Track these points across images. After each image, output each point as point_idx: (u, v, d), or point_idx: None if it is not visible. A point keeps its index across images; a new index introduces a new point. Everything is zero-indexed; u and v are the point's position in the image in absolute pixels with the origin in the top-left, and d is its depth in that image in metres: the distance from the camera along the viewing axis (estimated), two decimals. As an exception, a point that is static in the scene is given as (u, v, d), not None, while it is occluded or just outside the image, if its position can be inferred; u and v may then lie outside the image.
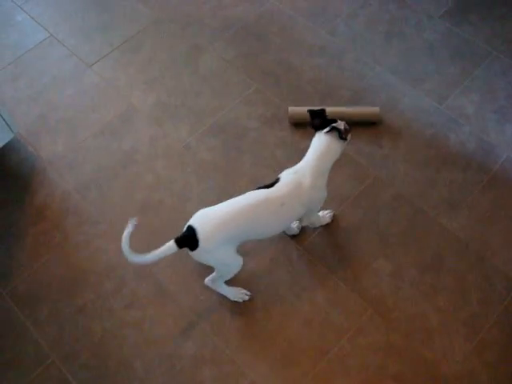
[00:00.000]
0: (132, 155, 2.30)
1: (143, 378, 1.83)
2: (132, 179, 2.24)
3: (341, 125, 1.81)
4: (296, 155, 2.24)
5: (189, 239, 1.69)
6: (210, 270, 1.91)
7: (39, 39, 2.74)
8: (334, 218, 2.10)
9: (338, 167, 2.19)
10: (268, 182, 1.82)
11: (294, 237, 2.06)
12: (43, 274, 2.05)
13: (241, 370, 1.83)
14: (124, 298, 1.98)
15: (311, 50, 2.58)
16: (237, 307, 1.93)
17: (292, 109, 2.32)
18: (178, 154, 2.29)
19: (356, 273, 1.98)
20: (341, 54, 2.55)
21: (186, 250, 1.71)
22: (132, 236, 2.09)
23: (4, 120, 2.21)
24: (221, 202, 2.12)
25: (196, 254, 1.72)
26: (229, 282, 1.92)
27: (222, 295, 1.94)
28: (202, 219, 1.71)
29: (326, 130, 1.79)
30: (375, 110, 2.31)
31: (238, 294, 1.94)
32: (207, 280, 1.93)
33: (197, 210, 2.11)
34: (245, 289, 1.95)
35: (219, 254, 1.74)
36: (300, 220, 1.99)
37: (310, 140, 1.86)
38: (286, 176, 1.79)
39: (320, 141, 1.81)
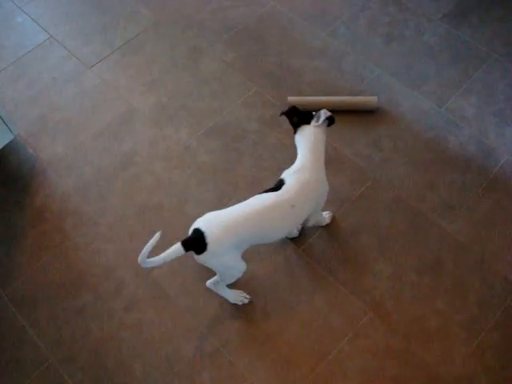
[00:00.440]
0: (132, 157, 2.30)
1: (142, 380, 1.83)
2: (131, 181, 2.24)
3: (327, 113, 1.81)
4: (295, 157, 2.24)
5: (196, 242, 1.66)
6: (210, 272, 1.92)
7: (39, 40, 2.74)
8: (334, 221, 2.10)
9: (337, 170, 2.20)
10: (270, 185, 1.82)
11: (293, 239, 2.06)
12: (42, 275, 2.05)
13: (240, 372, 1.83)
14: (123, 299, 1.98)
15: (311, 52, 2.58)
16: (236, 310, 1.93)
17: (291, 98, 2.37)
18: (178, 155, 2.29)
19: (355, 275, 1.98)
20: (341, 57, 2.55)
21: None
22: (133, 237, 2.10)
23: (4, 121, 2.21)
24: (220, 203, 2.14)
25: (202, 258, 1.69)
26: (229, 285, 1.92)
27: (221, 298, 1.94)
28: (210, 222, 1.68)
29: (320, 121, 1.79)
30: (373, 98, 2.34)
31: (238, 296, 1.94)
32: (209, 283, 1.92)
33: (196, 211, 2.12)
34: (245, 291, 1.95)
35: (225, 259, 1.71)
36: (306, 221, 1.97)
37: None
38: (289, 177, 1.78)
39: (307, 134, 1.81)
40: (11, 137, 2.29)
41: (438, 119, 2.33)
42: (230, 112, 2.40)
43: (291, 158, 2.24)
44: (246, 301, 1.94)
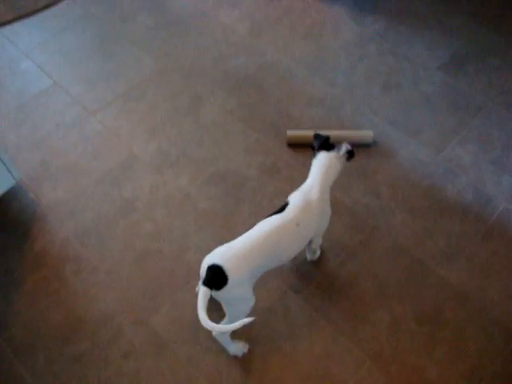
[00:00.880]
0: (132, 203, 2.32)
1: (139, 430, 1.81)
2: (132, 227, 2.26)
3: (348, 146, 1.93)
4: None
5: (216, 278, 1.66)
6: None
7: (43, 86, 2.79)
8: (333, 268, 2.10)
9: (336, 217, 2.21)
10: (277, 209, 1.86)
11: (293, 288, 2.06)
12: (41, 321, 2.04)
13: (238, 423, 1.81)
14: (121, 347, 1.97)
15: (310, 100, 2.62)
16: (235, 359, 1.92)
17: (290, 131, 2.45)
18: (178, 202, 2.31)
19: (354, 324, 1.97)
20: (339, 105, 2.59)
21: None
22: (132, 284, 2.10)
23: (6, 167, 2.23)
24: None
25: (223, 292, 1.67)
26: (230, 334, 1.90)
27: (220, 346, 1.93)
28: (225, 255, 1.71)
29: (340, 152, 1.91)
30: (368, 132, 2.41)
31: (240, 348, 1.91)
32: (216, 333, 1.87)
33: (196, 258, 2.13)
34: (242, 339, 1.94)
35: (244, 289, 1.73)
36: (308, 246, 2.01)
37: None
38: (294, 197, 1.85)
39: (324, 159, 1.90)
40: (13, 182, 2.31)
41: (436, 167, 2.36)
42: (231, 159, 2.43)
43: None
44: (246, 350, 1.93)
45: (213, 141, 2.50)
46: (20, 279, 2.15)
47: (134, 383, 1.89)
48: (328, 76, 2.72)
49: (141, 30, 3.02)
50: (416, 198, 2.28)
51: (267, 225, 1.78)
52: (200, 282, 1.69)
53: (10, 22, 3.12)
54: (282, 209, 1.84)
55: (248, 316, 1.68)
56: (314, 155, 1.95)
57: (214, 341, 1.92)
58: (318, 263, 2.11)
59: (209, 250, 2.13)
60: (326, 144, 1.93)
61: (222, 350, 1.92)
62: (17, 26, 3.09)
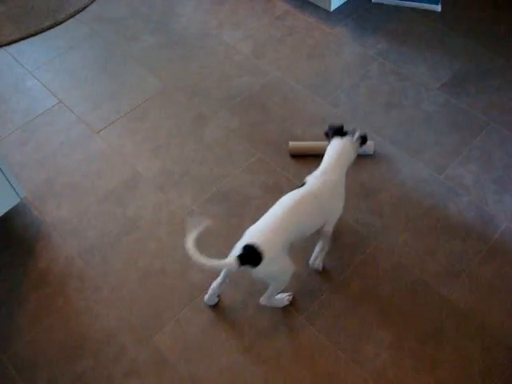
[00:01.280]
0: (136, 222, 2.34)
1: None
2: (135, 246, 2.27)
3: (361, 132, 2.09)
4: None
5: (251, 255, 1.77)
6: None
7: (48, 105, 2.82)
8: (335, 287, 2.10)
9: (338, 236, 2.22)
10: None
11: (294, 305, 2.06)
12: (44, 339, 2.05)
13: None
14: (123, 365, 1.97)
15: (313, 120, 2.64)
16: (238, 378, 1.92)
17: (292, 143, 2.50)
18: (181, 221, 2.32)
19: (356, 343, 1.97)
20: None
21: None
22: (135, 303, 2.10)
23: (11, 185, 2.25)
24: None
25: (261, 268, 1.78)
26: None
27: (222, 364, 1.93)
28: (256, 234, 1.83)
29: (354, 138, 2.06)
30: (370, 143, 2.46)
31: (284, 300, 2.05)
32: (262, 299, 2.00)
33: (199, 277, 2.14)
34: (245, 360, 1.94)
35: (281, 262, 1.86)
36: (321, 231, 2.06)
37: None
38: (311, 177, 2.00)
39: (339, 144, 2.04)
40: (18, 200, 2.33)
41: (438, 186, 2.37)
42: (234, 178, 2.45)
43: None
44: (290, 298, 2.06)
45: (216, 160, 2.52)
46: (23, 296, 2.16)
47: (137, 402, 1.90)
48: (330, 96, 2.74)
49: (145, 49, 3.06)
50: (418, 217, 2.29)
51: (288, 199, 1.92)
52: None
53: (16, 41, 3.16)
54: (301, 186, 1.98)
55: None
56: (328, 143, 2.08)
57: (216, 358, 1.93)
58: (320, 282, 2.12)
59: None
60: (340, 131, 2.06)
61: (226, 369, 1.93)
62: (23, 45, 3.13)
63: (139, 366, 1.96)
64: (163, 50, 3.04)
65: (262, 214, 2.29)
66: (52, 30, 3.21)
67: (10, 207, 2.32)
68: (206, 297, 2.07)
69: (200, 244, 2.23)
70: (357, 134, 2.06)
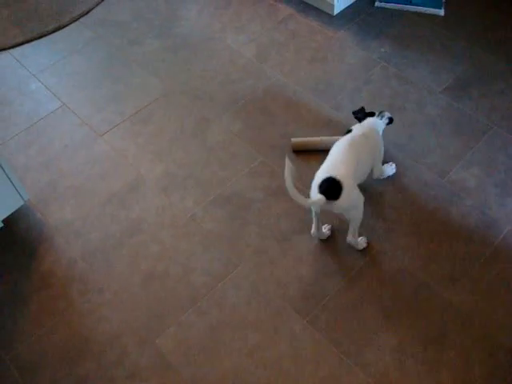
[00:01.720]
0: (138, 224, 2.34)
1: None
2: (138, 248, 2.27)
3: (389, 114, 2.38)
4: (300, 226, 2.27)
5: (333, 187, 1.95)
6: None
7: (52, 108, 2.83)
8: (338, 291, 2.10)
9: (342, 240, 2.22)
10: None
11: (298, 312, 2.06)
12: (46, 341, 2.05)
13: None
14: (126, 368, 1.97)
15: (316, 123, 2.65)
16: (241, 380, 1.92)
17: (294, 139, 2.55)
18: (184, 224, 2.33)
19: (359, 347, 1.97)
20: (344, 128, 2.59)
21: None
22: (137, 305, 2.11)
23: (15, 187, 2.26)
24: (226, 272, 2.16)
25: (343, 197, 1.96)
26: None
27: (223, 367, 1.93)
28: (329, 171, 2.00)
29: (383, 119, 2.35)
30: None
31: (363, 242, 2.22)
32: (349, 238, 2.17)
33: (201, 280, 2.15)
34: (248, 363, 1.95)
35: (356, 190, 2.04)
36: (373, 173, 2.30)
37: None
38: (356, 126, 2.27)
39: (371, 120, 2.32)
40: (21, 202, 2.34)
41: (441, 190, 2.38)
42: (236, 181, 2.45)
43: (296, 228, 2.28)
44: (366, 241, 2.23)
45: (219, 163, 2.53)
46: (26, 298, 2.16)
47: (139, 405, 1.90)
48: (333, 99, 2.75)
49: (149, 53, 3.07)
50: (421, 220, 2.29)
51: (344, 141, 2.14)
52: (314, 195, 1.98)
53: (20, 44, 3.17)
54: (346, 133, 2.25)
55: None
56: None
57: (219, 361, 1.93)
58: (323, 286, 2.12)
59: (214, 272, 2.16)
60: (371, 114, 2.34)
61: (227, 372, 1.93)
62: (27, 48, 3.15)
63: (142, 369, 1.96)
64: (167, 54, 3.05)
65: (265, 218, 2.32)
66: (56, 33, 3.23)
67: (14, 209, 2.33)
68: (316, 233, 2.23)
69: (203, 246, 2.25)
70: (386, 116, 2.35)
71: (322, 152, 2.27)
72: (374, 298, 2.09)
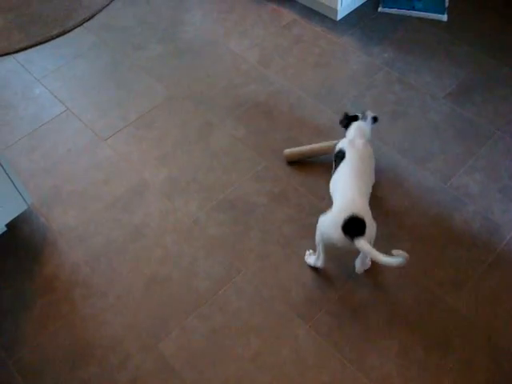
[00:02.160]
0: (142, 229, 2.35)
1: None
2: (141, 253, 2.27)
3: (372, 114, 2.36)
4: (303, 231, 2.27)
5: (358, 224, 1.88)
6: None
7: (56, 113, 2.84)
8: (341, 296, 2.10)
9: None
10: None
11: (302, 317, 2.06)
12: (49, 345, 2.05)
13: None
14: (129, 373, 1.97)
15: (319, 128, 2.65)
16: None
17: (287, 150, 2.53)
18: (187, 228, 2.33)
19: (362, 352, 1.97)
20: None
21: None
22: (140, 310, 2.11)
23: (18, 191, 2.27)
24: (228, 276, 2.16)
25: (368, 232, 1.88)
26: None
27: (224, 374, 1.93)
28: (349, 205, 1.93)
29: (367, 119, 2.33)
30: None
31: (369, 261, 2.16)
32: (359, 269, 2.12)
33: (204, 284, 2.15)
34: (251, 368, 1.95)
35: (372, 219, 1.95)
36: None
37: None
38: (344, 144, 2.22)
39: (356, 125, 2.28)
40: (25, 206, 2.34)
41: (444, 195, 2.37)
42: (240, 186, 2.46)
43: (299, 233, 2.28)
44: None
45: (222, 168, 2.53)
46: (29, 303, 2.16)
47: (142, 409, 1.90)
48: (336, 104, 2.75)
49: (152, 57, 3.08)
50: (424, 226, 2.29)
51: (346, 168, 2.11)
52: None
53: (24, 48, 3.19)
54: (337, 154, 2.21)
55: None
56: (346, 131, 2.32)
57: (222, 366, 1.93)
58: (326, 291, 2.12)
59: (217, 277, 2.16)
60: (354, 118, 2.33)
61: (229, 378, 1.93)
62: (31, 53, 3.16)
63: (144, 374, 1.96)
64: (170, 59, 3.06)
65: (268, 223, 2.32)
66: (60, 38, 3.24)
67: (17, 214, 2.34)
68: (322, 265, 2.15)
69: (206, 250, 2.25)
70: (368, 116, 2.34)
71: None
72: (377, 304, 2.08)
